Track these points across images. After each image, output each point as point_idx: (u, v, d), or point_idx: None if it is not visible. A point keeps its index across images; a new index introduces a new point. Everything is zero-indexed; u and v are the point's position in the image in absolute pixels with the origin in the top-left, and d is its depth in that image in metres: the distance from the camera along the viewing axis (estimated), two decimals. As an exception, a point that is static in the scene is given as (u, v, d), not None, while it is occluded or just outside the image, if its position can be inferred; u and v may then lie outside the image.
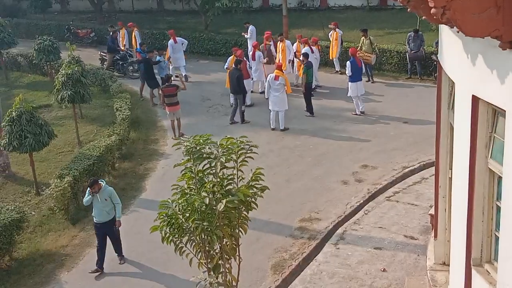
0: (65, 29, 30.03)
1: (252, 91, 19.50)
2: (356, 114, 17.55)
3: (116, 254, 11.17)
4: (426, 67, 20.39)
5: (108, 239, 11.02)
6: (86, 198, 10.87)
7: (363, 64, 18.44)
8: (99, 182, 10.88)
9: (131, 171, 15.09)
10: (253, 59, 19.67)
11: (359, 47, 20.37)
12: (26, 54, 25.22)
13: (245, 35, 23.87)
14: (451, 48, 6.92)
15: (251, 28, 23.60)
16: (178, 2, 35.00)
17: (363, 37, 20.52)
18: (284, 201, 12.71)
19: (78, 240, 12.00)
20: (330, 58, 21.76)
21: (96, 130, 18.07)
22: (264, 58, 19.90)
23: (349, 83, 17.58)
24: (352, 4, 32.83)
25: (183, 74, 21.75)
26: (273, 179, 12.82)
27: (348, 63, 17.67)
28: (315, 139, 16.04)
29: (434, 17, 5.33)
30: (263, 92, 19.77)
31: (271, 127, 16.90)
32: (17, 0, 36.88)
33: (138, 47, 22.86)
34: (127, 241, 11.76)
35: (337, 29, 21.43)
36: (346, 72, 17.75)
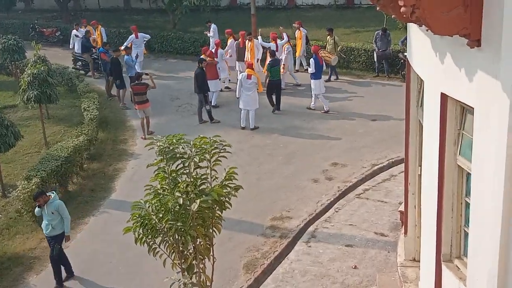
0: (30, 28, 29.59)
1: (221, 90, 19.52)
2: (325, 112, 17.71)
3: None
4: (394, 65, 20.65)
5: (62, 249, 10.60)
6: (36, 209, 10.56)
7: (324, 62, 18.67)
8: (47, 194, 10.45)
9: (100, 171, 14.93)
10: (216, 56, 19.67)
11: (325, 47, 20.58)
12: (-10, 54, 24.67)
13: (208, 34, 23.99)
14: (420, 46, 7.02)
15: (213, 26, 23.72)
16: (145, 0, 34.78)
17: (329, 36, 20.71)
18: (255, 200, 12.73)
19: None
20: (296, 56, 21.89)
21: (63, 130, 17.81)
22: (232, 55, 20.15)
23: (312, 80, 17.82)
24: (320, 3, 33.04)
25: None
26: (244, 178, 12.77)
27: (311, 60, 17.90)
28: (285, 138, 16.11)
29: (404, 15, 5.40)
30: (227, 88, 19.88)
31: (241, 126, 16.92)
32: (-21, -1, 36.16)
33: (101, 46, 22.38)
34: (97, 242, 11.66)
35: (301, 28, 21.58)
36: (309, 70, 17.93)
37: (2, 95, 21.71)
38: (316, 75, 17.65)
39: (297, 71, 21.80)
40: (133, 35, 22.55)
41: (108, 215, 12.71)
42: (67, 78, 21.73)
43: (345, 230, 11.34)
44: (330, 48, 20.43)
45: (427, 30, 5.49)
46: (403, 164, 9.42)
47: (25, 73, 16.49)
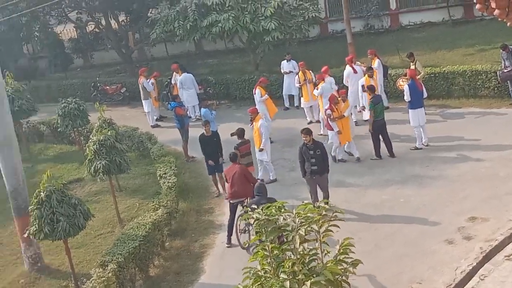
0: (91, 87, 30.90)
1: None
2: (416, 148, 18.17)
3: None
4: (535, 87, 20.08)
5: None
6: None
7: (424, 89, 19.18)
8: None
9: (184, 250, 15.22)
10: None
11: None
12: (49, 121, 25.88)
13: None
14: None
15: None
16: (219, 41, 35.78)
17: (411, 63, 21.13)
18: (374, 274, 12.48)
19: None
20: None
21: (138, 204, 18.41)
22: None
23: (409, 110, 18.32)
24: (431, 20, 32.79)
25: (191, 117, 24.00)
26: (357, 246, 12.63)
27: (406, 86, 18.32)
28: (406, 191, 15.90)
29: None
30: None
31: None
32: (33, 60, 38.35)
33: (173, 101, 22.46)
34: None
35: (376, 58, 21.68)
36: (405, 98, 18.39)
37: (66, 168, 22.76)
38: (412, 104, 18.14)
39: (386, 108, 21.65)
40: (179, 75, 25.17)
41: (199, 303, 12.88)
42: (137, 141, 22.52)
43: (496, 304, 10.90)
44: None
45: None
46: None
47: (90, 140, 17.23)
